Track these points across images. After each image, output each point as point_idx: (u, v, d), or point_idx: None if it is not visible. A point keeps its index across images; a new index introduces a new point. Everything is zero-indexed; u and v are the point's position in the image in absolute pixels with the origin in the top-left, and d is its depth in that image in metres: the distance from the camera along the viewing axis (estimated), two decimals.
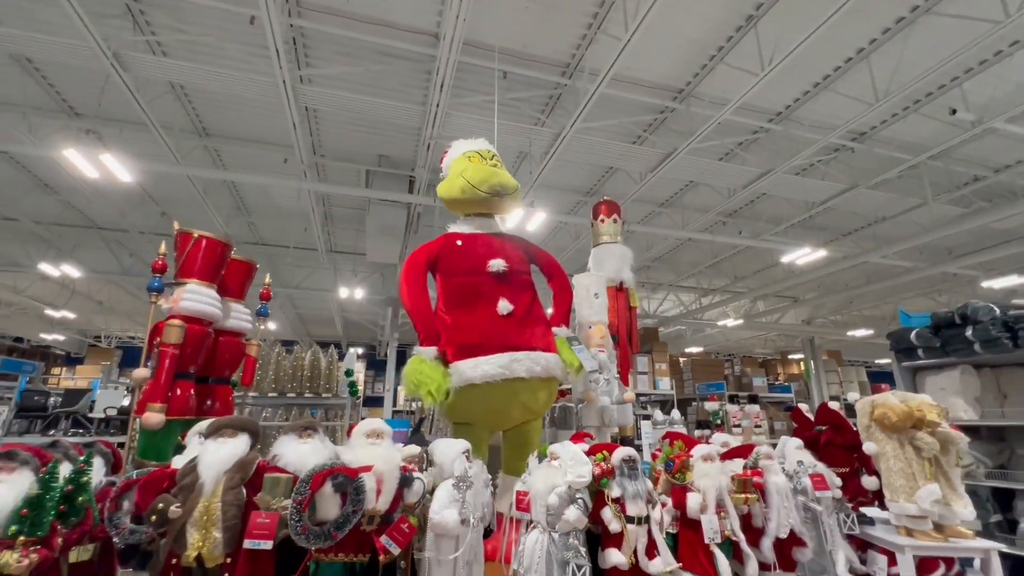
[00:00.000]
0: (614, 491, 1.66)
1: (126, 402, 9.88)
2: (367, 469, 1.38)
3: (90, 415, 9.62)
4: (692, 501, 1.71)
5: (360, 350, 23.26)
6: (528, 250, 2.50)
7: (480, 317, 2.17)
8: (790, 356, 20.55)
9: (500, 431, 2.27)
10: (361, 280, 14.09)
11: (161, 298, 2.02)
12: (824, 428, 2.36)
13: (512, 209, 2.48)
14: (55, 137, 8.05)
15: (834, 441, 2.27)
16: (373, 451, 1.46)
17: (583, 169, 9.63)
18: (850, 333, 16.99)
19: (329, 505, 1.32)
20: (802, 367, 17.96)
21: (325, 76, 6.79)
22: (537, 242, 10.63)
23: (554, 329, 2.36)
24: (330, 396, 6.43)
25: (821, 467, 2.00)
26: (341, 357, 7.32)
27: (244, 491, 1.30)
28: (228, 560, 1.25)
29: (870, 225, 11.46)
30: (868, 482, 2.13)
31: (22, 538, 1.15)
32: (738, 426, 4.01)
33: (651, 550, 1.64)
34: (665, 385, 10.80)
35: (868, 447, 2.02)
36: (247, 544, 1.25)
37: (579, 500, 1.56)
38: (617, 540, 1.60)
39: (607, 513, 1.62)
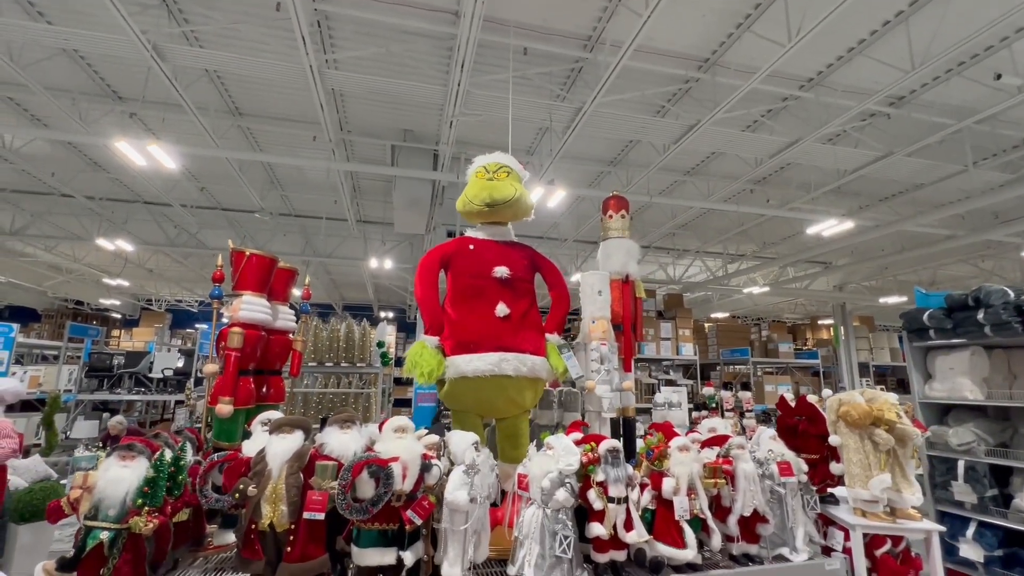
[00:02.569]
0: (599, 476, 1.99)
1: (180, 364, 10.82)
2: (395, 459, 1.74)
3: (150, 375, 10.62)
4: (667, 485, 2.02)
5: (391, 314, 24.16)
6: (534, 259, 2.77)
7: (479, 317, 2.47)
8: (820, 321, 20.26)
9: (492, 419, 2.62)
10: (390, 249, 14.56)
11: (222, 306, 2.40)
12: (802, 418, 2.62)
13: (516, 217, 2.74)
14: (103, 121, 8.58)
15: (809, 431, 2.52)
16: (400, 443, 1.82)
17: (605, 141, 9.59)
18: (883, 300, 16.61)
19: (366, 487, 1.68)
20: (831, 333, 17.76)
21: (349, 59, 6.95)
22: (560, 214, 10.73)
23: (547, 336, 2.65)
24: (364, 365, 6.98)
25: (790, 455, 2.27)
26: (374, 326, 7.84)
27: (301, 475, 1.68)
28: (292, 527, 1.64)
29: (907, 191, 11.05)
30: (835, 468, 2.39)
31: (146, 508, 1.56)
32: (731, 410, 4.27)
33: (628, 524, 1.97)
34: (688, 351, 11.00)
35: (833, 439, 2.27)
36: (306, 515, 1.64)
37: (567, 484, 1.89)
38: (600, 516, 1.94)
39: (592, 494, 1.95)
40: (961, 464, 4.47)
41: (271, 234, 14.19)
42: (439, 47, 6.96)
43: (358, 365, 7.01)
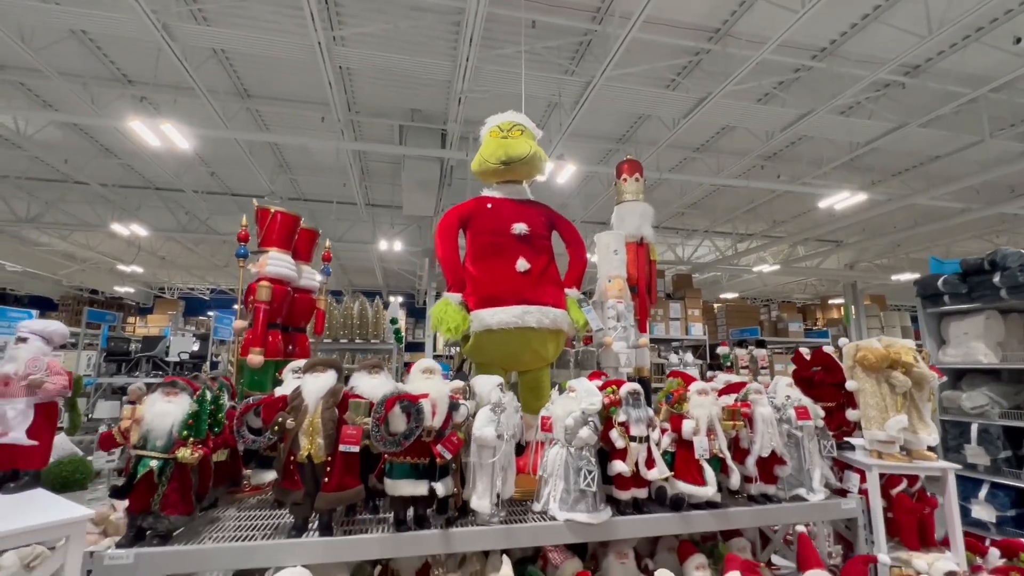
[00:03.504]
0: (620, 417, 2.04)
1: (195, 347, 11.01)
2: (424, 396, 1.80)
3: (166, 359, 10.82)
4: (686, 426, 2.08)
5: (400, 299, 24.32)
6: (550, 217, 2.80)
7: (501, 273, 2.51)
8: (830, 301, 20.14)
9: (515, 372, 2.67)
10: (399, 232, 14.62)
11: (248, 263, 2.46)
12: (818, 368, 2.65)
13: (531, 175, 2.77)
14: (114, 105, 8.64)
15: (825, 380, 2.55)
16: (428, 383, 1.88)
17: (614, 117, 9.52)
18: (895, 277, 16.47)
19: (398, 422, 1.75)
20: (842, 312, 17.66)
21: (357, 35, 6.93)
22: (569, 191, 10.68)
23: (566, 290, 2.70)
24: (378, 342, 7.07)
25: (807, 401, 2.31)
26: (385, 306, 7.93)
27: (336, 411, 1.75)
28: (329, 458, 1.71)
29: (921, 164, 10.90)
30: (851, 414, 2.43)
31: (191, 439, 1.64)
32: (745, 367, 4.29)
33: (649, 463, 2.03)
34: (698, 331, 11.01)
35: (850, 384, 2.30)
36: (341, 448, 1.71)
37: (590, 422, 1.95)
38: (621, 454, 2.00)
39: (614, 433, 2.01)
40: (974, 427, 4.49)
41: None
42: (447, 22, 6.92)
43: (372, 342, 7.11)
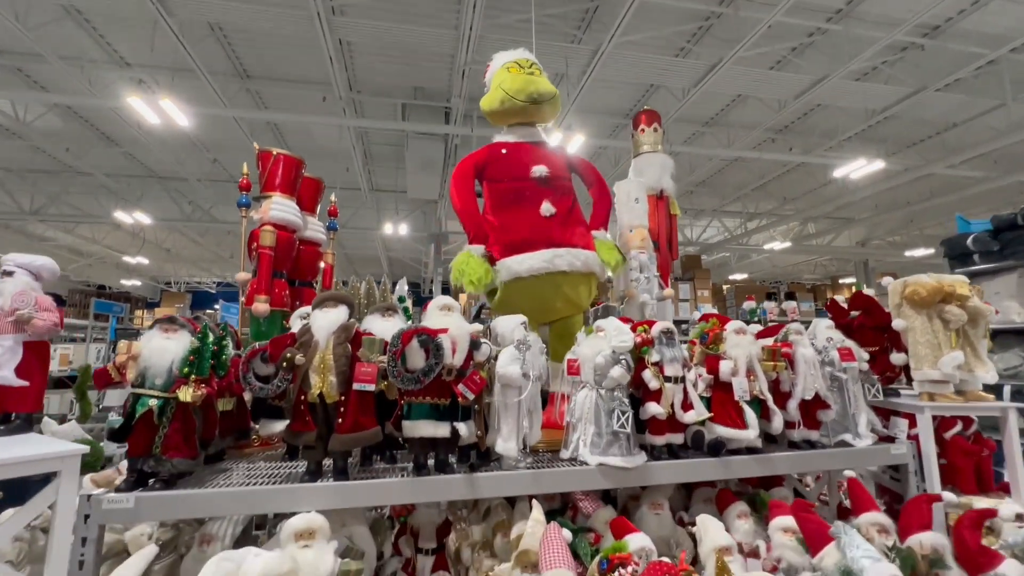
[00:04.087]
0: (653, 357, 1.90)
1: None
2: (444, 331, 1.66)
3: None
4: (724, 366, 1.92)
5: (405, 287, 24.21)
6: (568, 159, 2.63)
7: (525, 218, 2.35)
8: (841, 280, 19.86)
9: (547, 323, 2.52)
10: (403, 217, 14.46)
11: (251, 211, 2.32)
12: (857, 313, 2.49)
13: (552, 117, 2.59)
14: (112, 88, 8.49)
15: (866, 324, 2.39)
16: (447, 319, 1.74)
17: (622, 89, 9.27)
18: (909, 253, 16.17)
19: (416, 357, 1.61)
20: (853, 292, 17.41)
21: (358, 4, 6.73)
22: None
23: (593, 232, 2.53)
24: None
25: (850, 343, 2.16)
26: (393, 286, 7.80)
27: (349, 346, 1.62)
28: (343, 398, 1.58)
29: (938, 134, 10.59)
30: (896, 358, 2.27)
31: (193, 376, 1.51)
32: (774, 321, 4.13)
33: (686, 404, 1.89)
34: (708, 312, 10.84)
35: (897, 323, 2.14)
36: (356, 387, 1.58)
37: (622, 360, 1.80)
38: (656, 396, 1.86)
39: (647, 374, 1.86)
40: (1007, 389, 4.31)
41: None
42: None
43: None
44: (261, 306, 2.10)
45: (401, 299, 7.21)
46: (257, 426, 1.98)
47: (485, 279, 2.27)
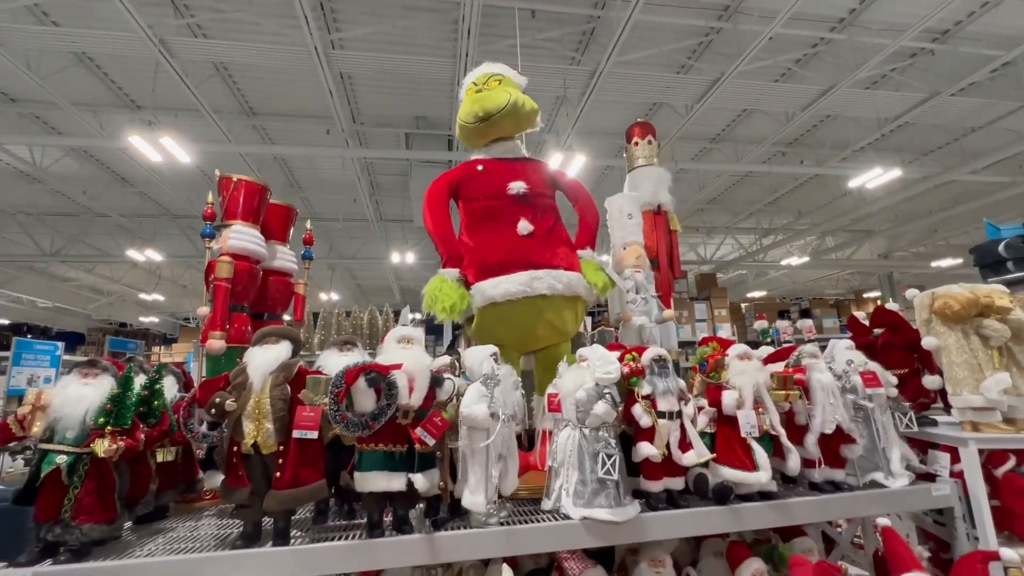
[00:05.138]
0: (644, 389, 1.66)
1: None
2: (398, 367, 1.46)
3: None
4: (727, 398, 1.68)
5: (418, 315, 24.16)
6: (551, 174, 2.46)
7: (501, 238, 2.18)
8: (865, 295, 19.17)
9: (531, 352, 2.30)
10: (412, 246, 14.45)
11: (213, 242, 2.19)
12: (881, 331, 2.22)
13: (525, 126, 2.43)
14: (123, 130, 8.72)
15: (892, 343, 2.12)
16: (404, 353, 1.55)
17: (625, 109, 9.18)
18: (935, 264, 15.54)
19: (364, 399, 1.41)
20: (875, 307, 16.74)
21: (355, 38, 6.82)
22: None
23: (579, 251, 2.33)
24: None
25: (874, 365, 1.89)
26: (396, 315, 7.67)
27: (288, 388, 1.42)
28: (281, 448, 1.38)
29: (956, 140, 10.24)
30: (929, 381, 1.99)
31: (109, 428, 1.33)
32: (788, 342, 3.82)
33: (684, 444, 1.64)
34: (726, 332, 10.44)
35: (927, 342, 1.87)
36: (296, 434, 1.38)
37: (607, 395, 1.57)
38: (649, 434, 1.61)
39: (637, 409, 1.63)
40: None
41: (295, 239, 14.26)
42: (444, 20, 6.75)
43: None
44: (215, 343, 1.94)
45: None
46: (203, 475, 1.78)
47: (460, 305, 2.08)
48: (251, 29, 6.68)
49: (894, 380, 1.90)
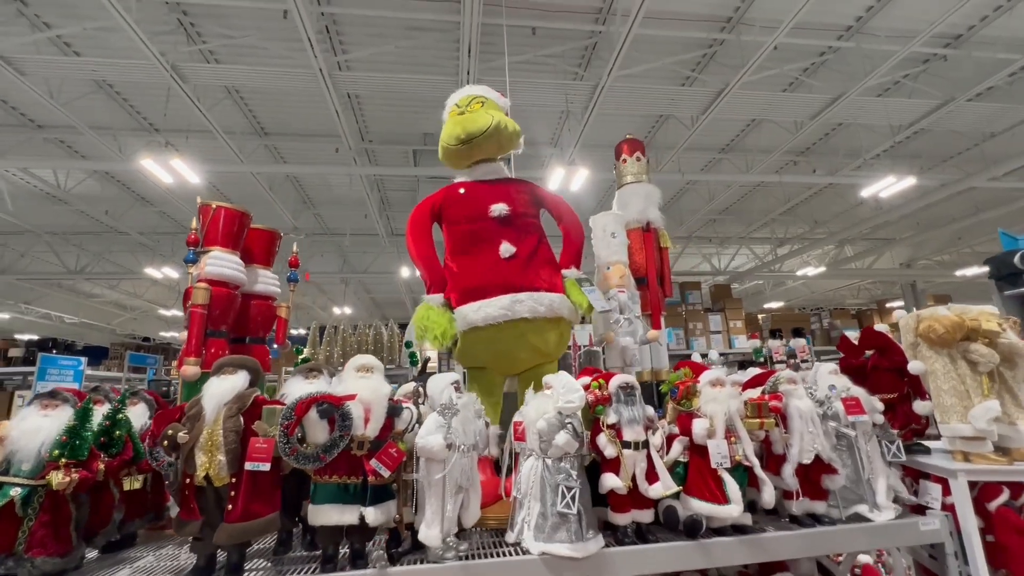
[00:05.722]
0: (610, 417, 1.62)
1: None
2: (351, 397, 1.45)
3: None
4: (698, 427, 1.62)
5: (431, 353, 24.25)
6: (535, 193, 2.44)
7: (482, 262, 2.17)
8: (888, 304, 18.63)
9: (514, 375, 2.27)
10: None
11: (193, 268, 2.22)
12: (871, 353, 2.13)
13: (506, 147, 2.43)
14: (141, 153, 9.02)
15: (880, 365, 2.03)
16: (361, 383, 1.53)
17: (631, 122, 9.18)
18: (960, 272, 15.03)
19: (317, 430, 1.40)
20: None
21: (359, 60, 6.96)
22: (589, 204, 10.19)
23: (563, 271, 2.30)
24: (392, 367, 6.80)
25: (857, 391, 1.81)
26: (402, 330, 7.71)
27: (242, 420, 1.42)
28: (233, 480, 1.37)
29: (976, 145, 9.94)
30: (920, 407, 1.90)
31: (63, 460, 1.34)
32: (781, 362, 3.67)
33: (651, 475, 1.59)
34: (742, 343, 10.22)
35: (913, 366, 1.79)
36: (248, 466, 1.37)
37: (568, 425, 1.53)
38: (614, 465, 1.57)
39: (602, 439, 1.58)
40: None
41: (309, 254, 14.53)
42: (447, 39, 6.86)
43: (387, 368, 6.86)
44: (189, 369, 1.96)
45: (408, 344, 7.05)
46: (169, 503, 1.79)
47: (451, 330, 2.08)
48: (260, 53, 6.88)
49: (880, 406, 1.82)
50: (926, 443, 2.00)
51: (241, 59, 6.97)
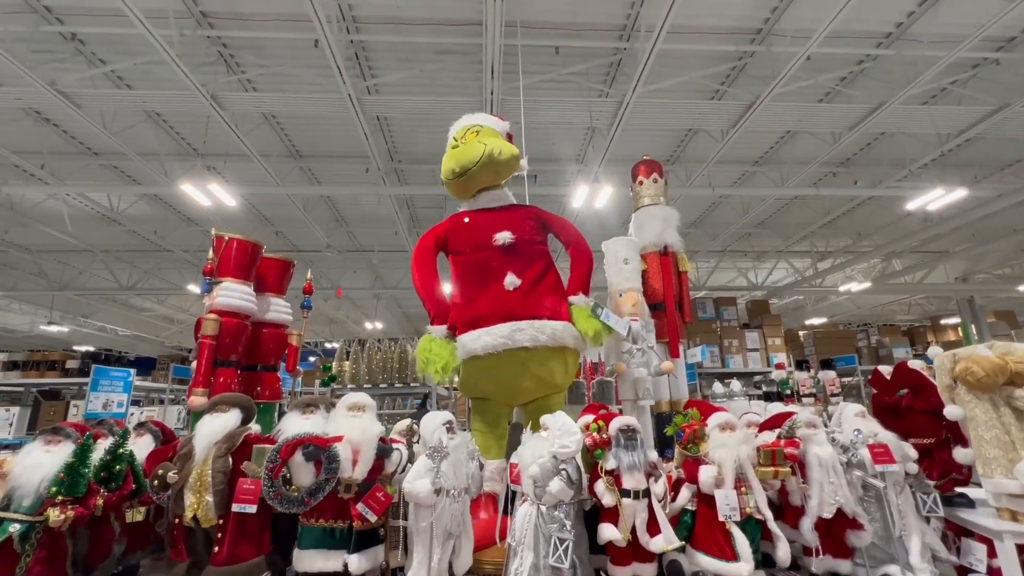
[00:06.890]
0: (609, 463, 1.54)
1: None
2: (338, 439, 1.43)
3: None
4: (704, 475, 1.52)
5: (442, 388, 24.36)
6: (541, 218, 2.41)
7: (486, 292, 2.15)
8: (943, 321, 17.49)
9: (519, 405, 2.22)
10: (448, 276, 14.67)
11: (207, 298, 2.28)
12: (905, 392, 1.96)
13: (503, 173, 2.41)
14: (183, 178, 9.52)
15: (916, 406, 1.87)
16: (353, 423, 1.51)
17: (659, 136, 9.03)
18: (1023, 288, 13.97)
19: (303, 473, 1.39)
20: (960, 333, 15.12)
21: (387, 84, 7.14)
22: (614, 221, 10.00)
23: (570, 298, 2.24)
24: (417, 385, 6.83)
25: (886, 436, 1.66)
26: None
27: (231, 460, 1.42)
28: (220, 521, 1.37)
29: None
30: (961, 455, 1.72)
31: (60, 497, 1.37)
32: (810, 395, 3.42)
33: (653, 526, 1.49)
34: (781, 359, 9.74)
35: (950, 411, 1.62)
36: (235, 508, 1.37)
37: (563, 472, 1.46)
38: (612, 515, 1.48)
39: (600, 486, 1.50)
40: None
41: (341, 271, 14.90)
42: (471, 61, 6.95)
43: (412, 385, 6.90)
44: (197, 399, 1.99)
45: None
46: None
47: (453, 362, 2.05)
48: (293, 81, 7.16)
49: (913, 454, 1.66)
50: (970, 492, 1.81)
51: (276, 87, 7.27)
